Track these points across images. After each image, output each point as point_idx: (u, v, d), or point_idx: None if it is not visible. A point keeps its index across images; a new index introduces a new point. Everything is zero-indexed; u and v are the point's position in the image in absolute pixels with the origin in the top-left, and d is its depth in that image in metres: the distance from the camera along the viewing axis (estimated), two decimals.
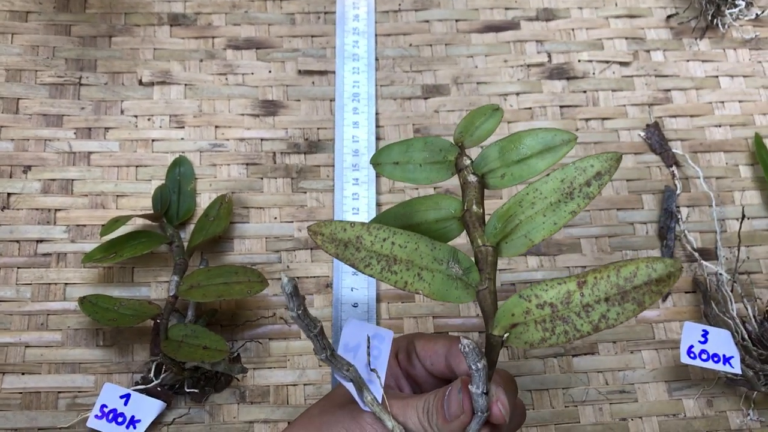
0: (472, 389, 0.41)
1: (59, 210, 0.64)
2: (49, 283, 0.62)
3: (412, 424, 0.44)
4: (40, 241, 0.63)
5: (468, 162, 0.47)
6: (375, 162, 0.50)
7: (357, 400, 0.44)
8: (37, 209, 0.64)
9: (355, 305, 0.61)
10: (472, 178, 0.46)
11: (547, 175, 0.44)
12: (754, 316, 0.61)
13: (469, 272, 0.43)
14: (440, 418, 0.43)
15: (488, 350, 0.42)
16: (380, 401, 0.44)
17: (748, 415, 0.61)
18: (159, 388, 0.58)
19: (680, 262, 0.39)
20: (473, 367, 0.39)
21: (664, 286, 0.38)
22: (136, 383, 0.58)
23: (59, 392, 0.59)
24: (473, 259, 0.44)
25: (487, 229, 0.45)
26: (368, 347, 0.44)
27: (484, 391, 0.40)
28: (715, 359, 0.59)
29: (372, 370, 0.44)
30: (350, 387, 0.44)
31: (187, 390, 0.58)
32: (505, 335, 0.41)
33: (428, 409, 0.44)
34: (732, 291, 0.62)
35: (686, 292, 0.65)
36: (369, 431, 0.44)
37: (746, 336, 0.60)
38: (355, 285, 0.62)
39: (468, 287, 0.43)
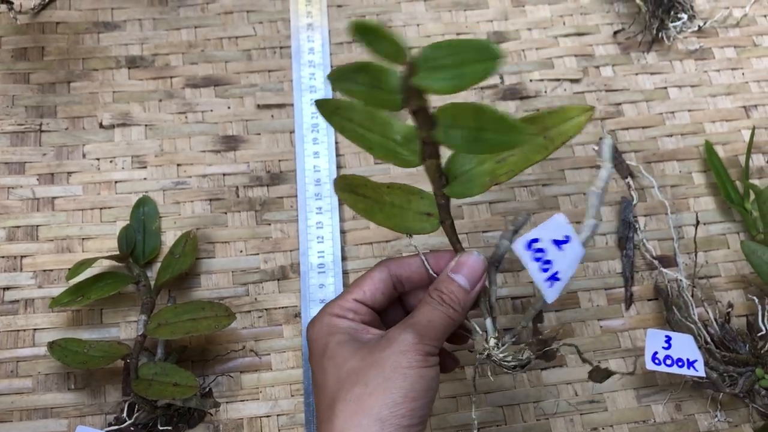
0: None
1: (25, 256, 0.65)
2: (18, 330, 0.62)
3: None
4: (6, 288, 0.63)
5: None
6: None
7: None
8: (2, 257, 0.64)
9: None
10: None
11: None
12: (716, 319, 0.63)
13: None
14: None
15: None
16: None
17: (716, 416, 0.62)
18: (132, 428, 0.58)
19: None
20: None
21: None
22: (110, 424, 0.58)
23: None
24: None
25: None
26: None
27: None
28: (680, 364, 0.60)
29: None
30: None
31: (161, 428, 0.58)
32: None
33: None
34: (692, 296, 0.63)
35: (649, 300, 0.66)
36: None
37: (708, 339, 0.62)
38: None
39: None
